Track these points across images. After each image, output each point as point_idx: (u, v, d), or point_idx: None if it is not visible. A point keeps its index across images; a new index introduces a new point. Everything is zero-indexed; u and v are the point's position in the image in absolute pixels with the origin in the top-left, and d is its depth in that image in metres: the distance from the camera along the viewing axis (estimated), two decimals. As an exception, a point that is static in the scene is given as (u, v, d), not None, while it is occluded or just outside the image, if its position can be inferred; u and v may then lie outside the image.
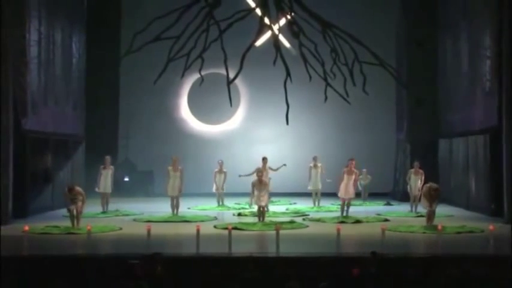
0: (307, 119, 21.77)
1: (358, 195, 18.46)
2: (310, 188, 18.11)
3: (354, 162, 15.52)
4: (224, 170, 18.17)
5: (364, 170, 18.87)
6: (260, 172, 15.01)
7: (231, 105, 13.00)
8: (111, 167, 16.75)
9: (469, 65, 17.43)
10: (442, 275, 8.61)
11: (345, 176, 15.38)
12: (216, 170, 18.20)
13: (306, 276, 8.61)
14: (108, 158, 16.85)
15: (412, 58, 20.31)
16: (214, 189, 18.22)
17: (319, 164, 18.18)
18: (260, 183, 14.67)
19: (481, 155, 16.62)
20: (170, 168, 15.92)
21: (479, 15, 16.64)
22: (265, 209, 15.10)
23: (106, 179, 16.48)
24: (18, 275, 9.03)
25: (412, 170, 16.89)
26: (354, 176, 15.43)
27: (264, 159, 17.30)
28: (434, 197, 13.65)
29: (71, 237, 12.66)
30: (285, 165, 17.72)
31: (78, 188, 13.76)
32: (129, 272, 8.55)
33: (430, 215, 13.79)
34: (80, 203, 13.50)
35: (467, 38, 17.59)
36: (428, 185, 14.02)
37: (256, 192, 14.57)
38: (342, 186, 15.33)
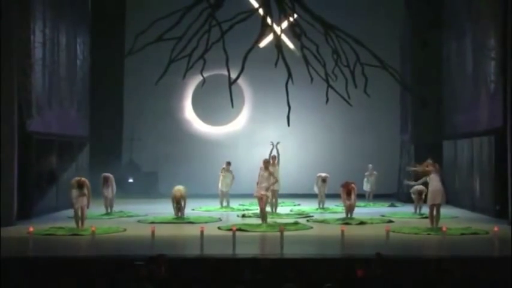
0: (311, 120, 21.77)
1: (362, 196, 18.51)
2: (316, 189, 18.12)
3: (353, 186, 15.31)
4: (231, 169, 18.18)
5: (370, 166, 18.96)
6: (267, 161, 14.78)
7: (232, 106, 13.02)
8: (113, 182, 16.51)
9: (474, 66, 17.41)
10: (446, 276, 8.59)
11: (345, 196, 15.37)
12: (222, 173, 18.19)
13: (310, 278, 8.60)
14: (109, 176, 16.41)
15: (417, 59, 20.29)
16: (220, 188, 18.20)
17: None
18: (265, 170, 14.40)
19: (485, 156, 16.59)
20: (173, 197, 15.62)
21: (484, 16, 16.61)
22: (266, 201, 14.93)
23: (108, 189, 16.42)
24: (23, 276, 9.04)
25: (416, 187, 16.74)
26: (352, 196, 15.33)
27: (273, 157, 16.93)
28: (428, 171, 13.69)
29: (76, 238, 12.68)
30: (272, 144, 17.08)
31: (84, 179, 13.75)
32: (133, 273, 8.55)
33: (432, 216, 13.76)
34: (85, 198, 13.45)
35: (472, 39, 17.57)
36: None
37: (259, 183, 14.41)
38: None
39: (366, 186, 19.15)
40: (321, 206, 17.90)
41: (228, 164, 18.35)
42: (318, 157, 19.41)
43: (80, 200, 13.48)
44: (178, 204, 15.34)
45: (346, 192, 15.23)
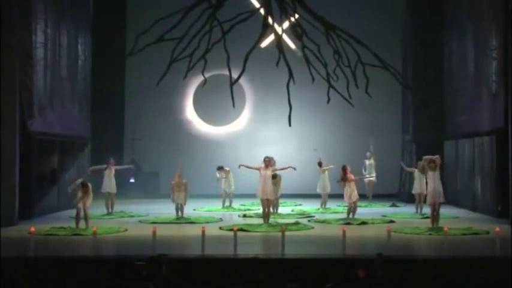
0: (312, 120, 21.78)
1: (363, 196, 18.51)
2: (319, 190, 18.09)
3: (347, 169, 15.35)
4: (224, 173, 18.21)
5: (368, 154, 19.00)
6: (268, 158, 14.69)
7: (233, 105, 13.03)
8: (113, 167, 16.69)
9: (475, 66, 17.40)
10: (447, 276, 8.59)
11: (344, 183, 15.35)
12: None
13: (311, 278, 8.60)
14: (111, 159, 16.79)
15: (418, 59, 20.31)
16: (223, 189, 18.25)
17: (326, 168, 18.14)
18: (266, 168, 14.39)
19: (487, 156, 16.58)
20: (174, 183, 15.65)
21: (486, 16, 16.60)
22: (271, 207, 14.97)
23: (109, 179, 16.48)
24: (24, 276, 9.04)
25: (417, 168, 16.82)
26: (352, 183, 15.28)
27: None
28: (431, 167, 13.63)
29: (77, 238, 12.68)
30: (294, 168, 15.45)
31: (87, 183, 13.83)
32: (134, 273, 8.56)
33: (435, 216, 13.75)
34: (87, 200, 13.47)
35: (473, 39, 17.56)
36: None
37: (261, 184, 14.41)
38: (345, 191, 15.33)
39: (364, 174, 19.04)
40: (322, 206, 17.90)
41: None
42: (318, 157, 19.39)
43: (83, 201, 13.48)
44: (179, 192, 15.30)
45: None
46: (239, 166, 15.01)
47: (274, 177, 15.36)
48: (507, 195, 14.86)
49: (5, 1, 14.20)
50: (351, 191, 15.11)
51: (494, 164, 16.04)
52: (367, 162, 19.22)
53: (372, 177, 19.11)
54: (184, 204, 15.55)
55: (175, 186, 15.47)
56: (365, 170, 19.30)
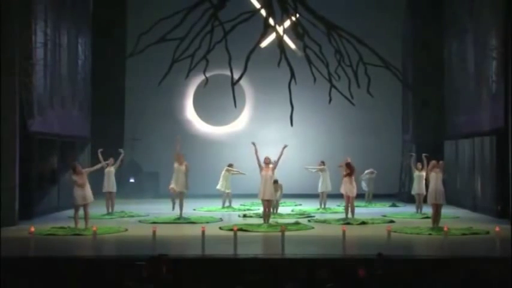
0: (313, 120, 21.79)
1: (361, 196, 18.52)
2: (320, 190, 18.09)
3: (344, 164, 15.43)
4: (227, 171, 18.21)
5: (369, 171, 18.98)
6: (268, 159, 14.66)
7: (235, 106, 13.02)
8: (112, 166, 16.68)
9: (476, 66, 17.40)
10: (447, 276, 8.59)
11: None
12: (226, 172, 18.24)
13: (312, 278, 8.60)
14: (111, 159, 16.83)
15: (418, 59, 20.32)
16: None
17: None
18: (267, 169, 14.42)
19: (487, 156, 16.58)
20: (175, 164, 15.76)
21: (485, 15, 16.61)
22: (271, 208, 14.99)
23: (108, 178, 16.48)
24: (24, 276, 9.04)
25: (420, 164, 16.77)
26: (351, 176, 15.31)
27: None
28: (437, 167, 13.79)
29: (77, 238, 12.68)
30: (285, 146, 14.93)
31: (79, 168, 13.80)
32: (134, 273, 8.56)
33: (436, 217, 13.76)
34: (86, 193, 13.43)
35: (474, 39, 17.56)
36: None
37: (261, 185, 14.38)
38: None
39: (364, 187, 19.08)
40: (322, 206, 17.90)
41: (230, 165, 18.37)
42: (319, 157, 19.40)
43: (81, 198, 13.42)
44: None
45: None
46: (252, 143, 14.84)
47: (275, 182, 15.31)
48: (507, 195, 14.86)
49: (5, 1, 14.20)
50: (351, 184, 15.13)
51: (494, 164, 16.04)
52: (364, 183, 19.11)
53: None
54: (187, 189, 15.37)
55: (175, 158, 15.27)
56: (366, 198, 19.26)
